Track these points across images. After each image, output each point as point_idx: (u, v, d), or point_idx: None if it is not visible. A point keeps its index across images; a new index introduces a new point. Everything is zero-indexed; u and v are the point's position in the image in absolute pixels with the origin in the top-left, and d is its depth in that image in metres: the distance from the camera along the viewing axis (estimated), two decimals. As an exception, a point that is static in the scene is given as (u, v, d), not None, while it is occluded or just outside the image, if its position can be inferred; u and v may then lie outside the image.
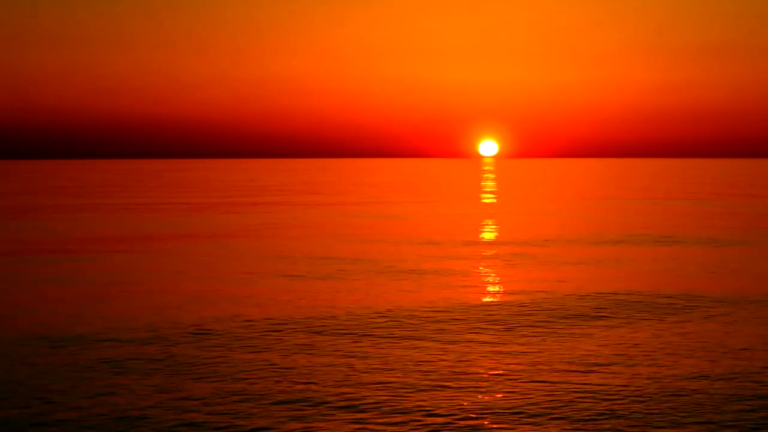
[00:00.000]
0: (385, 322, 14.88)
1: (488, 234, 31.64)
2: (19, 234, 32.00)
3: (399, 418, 9.59)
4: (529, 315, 15.59)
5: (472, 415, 9.73)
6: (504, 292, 18.16)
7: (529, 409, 9.89)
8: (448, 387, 10.84)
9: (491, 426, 9.43)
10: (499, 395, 10.49)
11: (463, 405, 10.08)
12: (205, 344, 13.13)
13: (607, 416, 9.61)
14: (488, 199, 58.41)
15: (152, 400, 10.21)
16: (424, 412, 9.77)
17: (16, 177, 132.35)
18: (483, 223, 36.34)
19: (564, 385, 10.91)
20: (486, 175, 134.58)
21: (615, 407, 9.98)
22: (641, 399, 10.35)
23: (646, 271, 21.39)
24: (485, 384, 11.00)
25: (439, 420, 9.57)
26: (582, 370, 11.69)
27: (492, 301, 17.07)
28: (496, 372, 11.58)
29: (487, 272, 21.24)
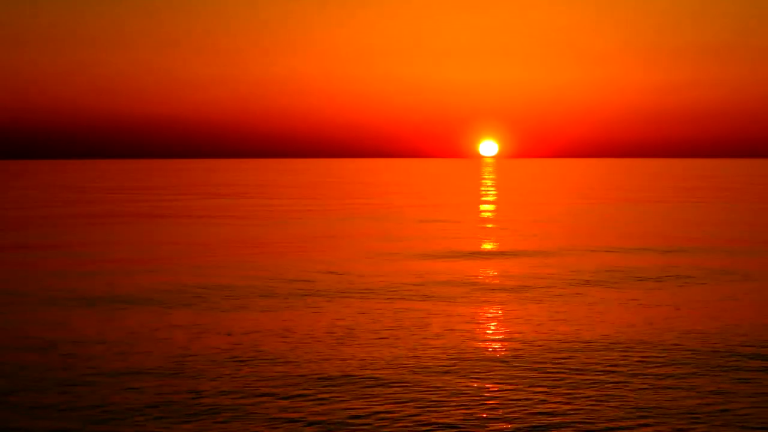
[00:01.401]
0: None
1: (508, 245, 30.46)
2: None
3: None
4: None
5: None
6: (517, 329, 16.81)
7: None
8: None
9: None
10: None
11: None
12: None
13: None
14: (502, 203, 57.52)
15: None
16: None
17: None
18: (504, 231, 35.24)
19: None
20: (489, 176, 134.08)
21: None
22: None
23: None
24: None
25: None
26: None
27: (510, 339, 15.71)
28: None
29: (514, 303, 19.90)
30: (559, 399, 10.49)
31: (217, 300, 17.50)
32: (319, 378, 11.45)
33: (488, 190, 74.77)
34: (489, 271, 21.67)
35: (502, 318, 15.58)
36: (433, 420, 9.73)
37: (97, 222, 38.57)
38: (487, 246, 27.88)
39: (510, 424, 9.61)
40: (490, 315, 15.86)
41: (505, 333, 14.28)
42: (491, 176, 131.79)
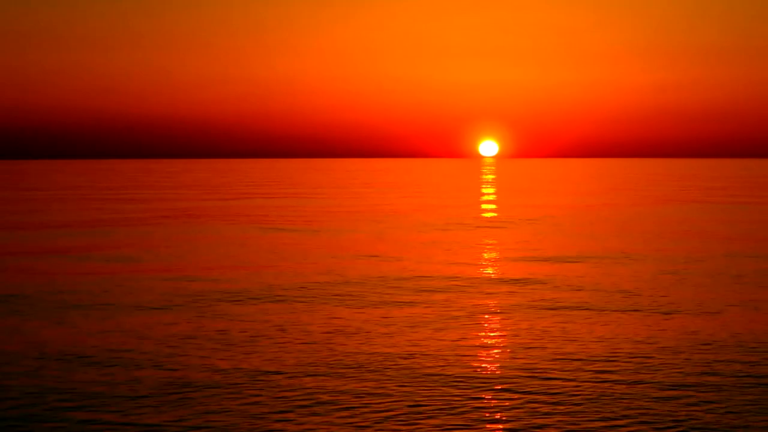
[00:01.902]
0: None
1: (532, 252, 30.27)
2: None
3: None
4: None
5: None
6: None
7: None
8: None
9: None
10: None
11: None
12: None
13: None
14: (507, 205, 57.22)
15: None
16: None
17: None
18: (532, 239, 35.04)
19: None
20: (492, 176, 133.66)
21: None
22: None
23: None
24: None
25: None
26: None
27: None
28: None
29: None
30: (556, 406, 10.43)
31: (212, 301, 17.45)
32: (306, 373, 11.41)
33: (492, 192, 74.55)
34: (492, 275, 21.59)
35: (499, 323, 15.51)
36: (427, 421, 9.67)
37: (106, 226, 38.41)
38: (493, 250, 27.77)
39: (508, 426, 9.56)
40: (489, 320, 15.78)
41: (503, 338, 14.20)
42: (494, 176, 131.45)
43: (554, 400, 10.34)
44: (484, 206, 49.68)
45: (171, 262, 23.28)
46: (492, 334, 14.06)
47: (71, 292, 18.36)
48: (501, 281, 19.80)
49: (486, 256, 24.86)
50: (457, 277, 20.37)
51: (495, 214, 42.47)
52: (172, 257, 24.48)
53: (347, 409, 10.03)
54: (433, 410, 9.98)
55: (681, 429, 9.26)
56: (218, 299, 17.47)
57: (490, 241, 28.87)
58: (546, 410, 9.97)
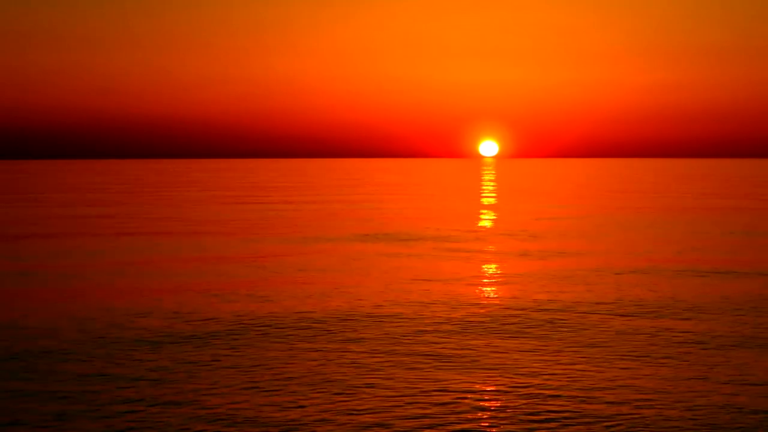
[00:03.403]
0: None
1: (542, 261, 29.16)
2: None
3: None
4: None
5: None
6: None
7: None
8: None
9: None
10: None
11: None
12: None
13: None
14: (517, 210, 56.40)
15: None
16: None
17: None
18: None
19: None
20: (496, 179, 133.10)
21: None
22: None
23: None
24: None
25: None
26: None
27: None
28: None
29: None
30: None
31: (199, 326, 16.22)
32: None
33: (499, 195, 73.55)
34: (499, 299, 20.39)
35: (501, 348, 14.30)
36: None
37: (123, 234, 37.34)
38: (502, 267, 26.61)
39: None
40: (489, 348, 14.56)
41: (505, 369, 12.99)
42: (498, 179, 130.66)
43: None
44: (496, 214, 48.54)
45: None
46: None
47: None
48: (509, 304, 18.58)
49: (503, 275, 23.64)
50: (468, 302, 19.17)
51: (505, 224, 41.33)
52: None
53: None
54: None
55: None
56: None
57: (509, 257, 27.65)
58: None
